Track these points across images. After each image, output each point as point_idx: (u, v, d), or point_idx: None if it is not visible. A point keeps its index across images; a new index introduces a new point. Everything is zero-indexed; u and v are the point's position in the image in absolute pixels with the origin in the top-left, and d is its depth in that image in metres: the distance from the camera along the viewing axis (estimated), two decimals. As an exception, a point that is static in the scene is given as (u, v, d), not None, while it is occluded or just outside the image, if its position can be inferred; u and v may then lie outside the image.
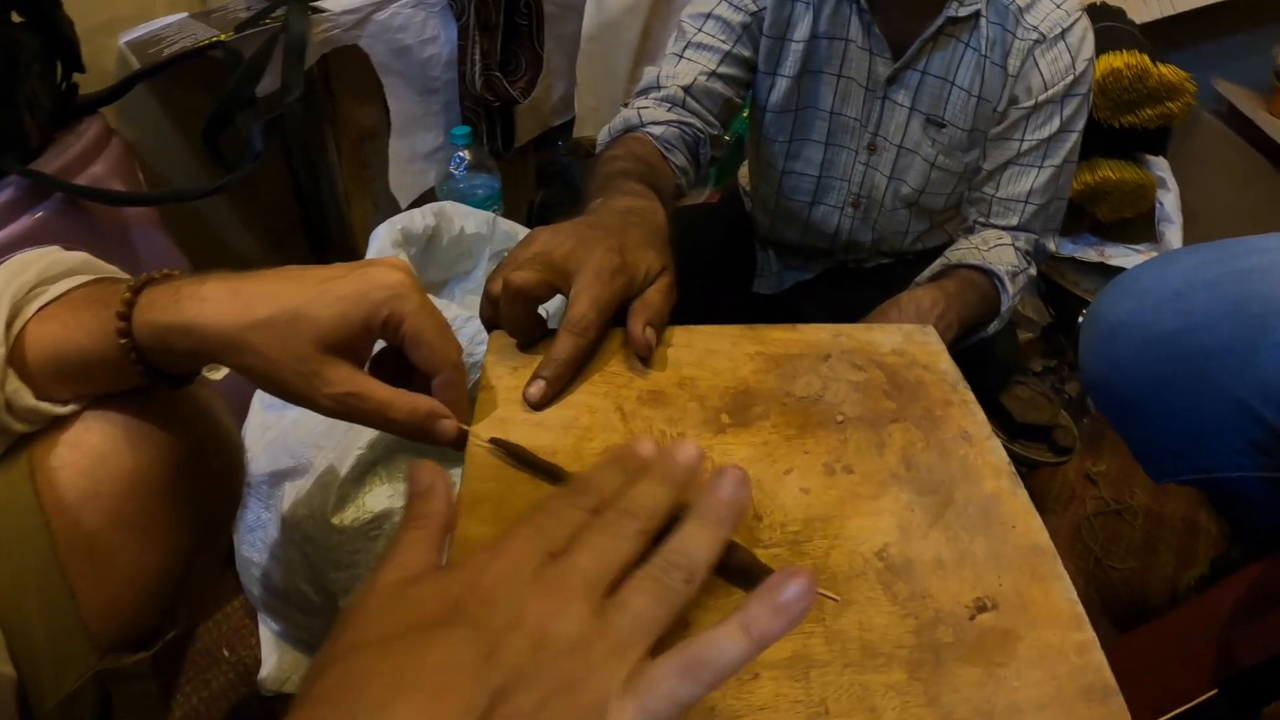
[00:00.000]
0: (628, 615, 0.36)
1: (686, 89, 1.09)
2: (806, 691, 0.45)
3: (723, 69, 1.12)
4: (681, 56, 1.12)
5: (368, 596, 0.39)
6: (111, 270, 0.59)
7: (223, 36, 1.30)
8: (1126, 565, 1.55)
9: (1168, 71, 1.70)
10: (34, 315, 0.52)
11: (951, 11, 1.09)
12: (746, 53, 1.14)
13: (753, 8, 1.12)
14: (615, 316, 0.64)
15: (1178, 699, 0.94)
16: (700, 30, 1.12)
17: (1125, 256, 1.86)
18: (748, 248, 1.46)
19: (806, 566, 0.50)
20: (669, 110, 1.07)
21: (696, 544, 0.39)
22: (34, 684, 0.52)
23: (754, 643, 0.35)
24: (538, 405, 0.59)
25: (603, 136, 1.08)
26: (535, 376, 0.59)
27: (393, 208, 1.67)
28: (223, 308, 0.50)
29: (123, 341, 0.51)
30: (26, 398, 0.53)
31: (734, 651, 0.34)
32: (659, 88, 1.10)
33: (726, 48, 1.12)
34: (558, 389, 0.60)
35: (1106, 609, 1.46)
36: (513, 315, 0.62)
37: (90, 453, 0.55)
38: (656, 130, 1.03)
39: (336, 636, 0.37)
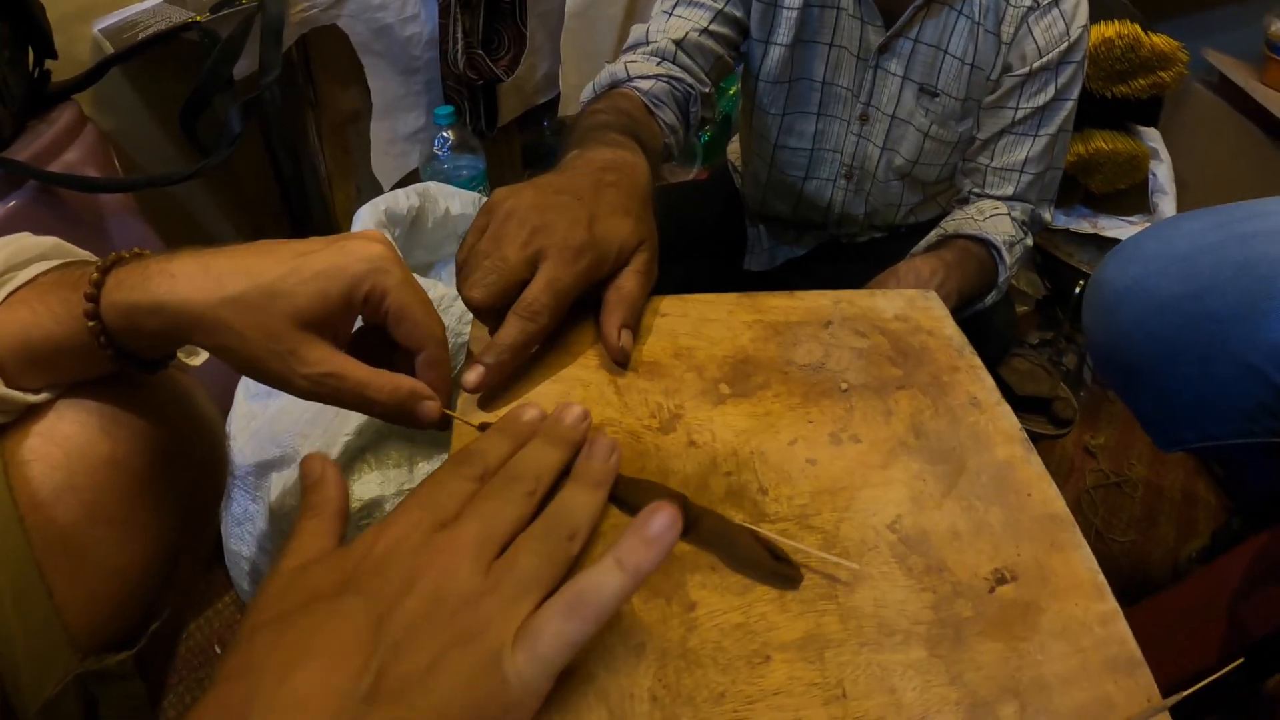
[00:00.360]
0: (515, 573, 0.39)
1: (678, 43, 1.04)
2: (822, 673, 0.42)
3: (714, 27, 1.08)
4: (671, 14, 1.08)
5: (269, 582, 0.41)
6: (83, 254, 0.57)
7: (198, 18, 1.27)
8: (1127, 538, 1.54)
9: (1160, 41, 1.68)
10: (2, 302, 0.50)
11: None
12: (738, 13, 1.11)
13: None
14: (591, 297, 0.60)
15: (1186, 672, 0.93)
16: None
17: (1119, 228, 1.85)
18: (738, 225, 1.44)
19: (771, 526, 0.48)
20: (658, 64, 1.02)
21: (577, 505, 0.43)
22: (14, 688, 0.50)
23: (630, 576, 0.37)
24: (475, 391, 0.54)
25: (586, 94, 1.02)
26: (474, 361, 0.54)
27: (375, 191, 1.64)
28: (193, 284, 0.47)
29: (91, 324, 0.48)
30: None
31: (612, 586, 0.37)
32: (648, 42, 1.06)
33: (719, 6, 1.09)
34: (499, 377, 0.55)
35: (1108, 582, 1.44)
36: (484, 322, 0.58)
37: (64, 444, 0.53)
38: (644, 85, 0.97)
39: (244, 622, 0.39)
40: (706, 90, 1.06)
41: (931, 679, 0.43)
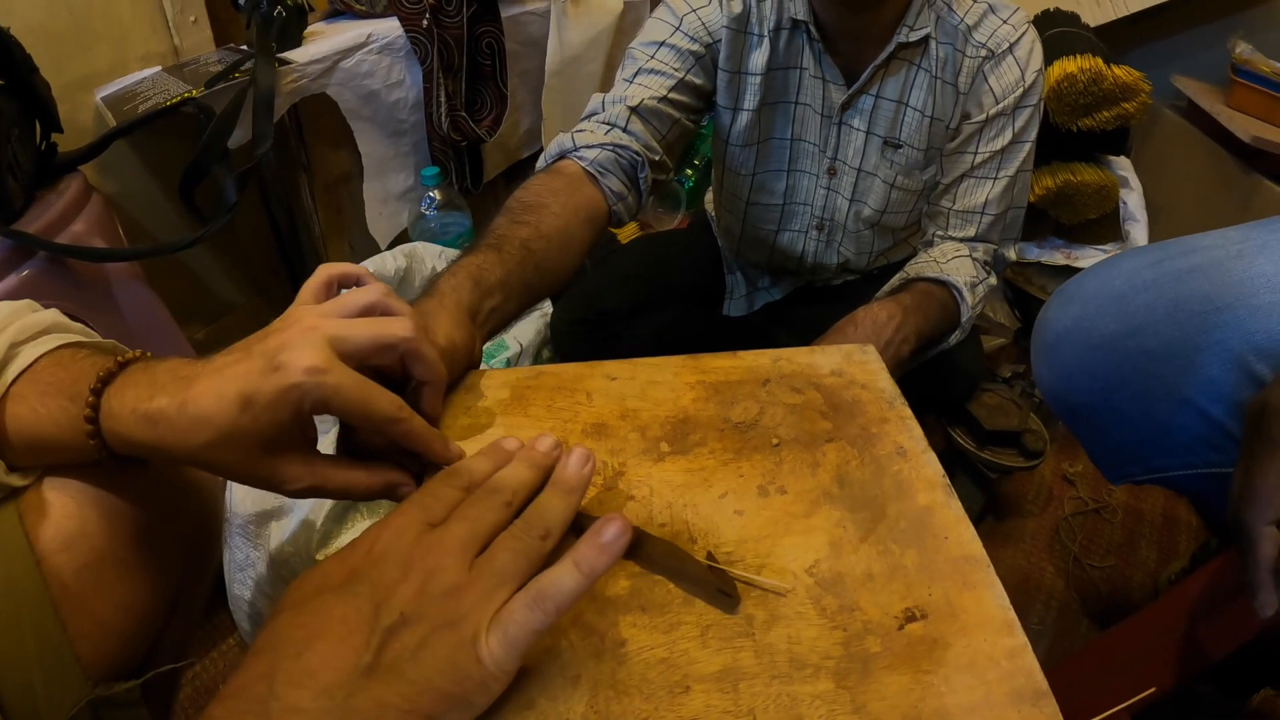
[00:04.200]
0: (494, 567, 0.46)
1: (634, 109, 1.08)
2: (735, 702, 0.47)
3: (674, 95, 1.12)
4: (632, 82, 1.12)
5: (300, 576, 0.47)
6: (76, 329, 0.61)
7: (194, 92, 1.33)
8: (1107, 563, 1.56)
9: (1122, 73, 1.72)
10: (9, 387, 0.54)
11: (902, 37, 1.12)
12: (699, 80, 1.15)
13: (707, 39, 1.14)
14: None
15: (1155, 692, 0.95)
16: (652, 58, 1.13)
17: (1092, 258, 1.87)
18: (717, 272, 1.48)
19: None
20: (606, 133, 1.05)
21: (551, 509, 0.50)
22: (31, 713, 0.55)
23: (584, 576, 0.45)
24: None
25: (541, 161, 1.06)
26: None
27: (369, 248, 1.70)
28: (174, 432, 0.50)
29: (93, 442, 0.53)
30: (1, 474, 0.55)
31: (570, 583, 0.44)
32: (602, 110, 1.09)
33: (679, 75, 1.13)
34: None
35: (1087, 608, 1.47)
36: None
37: (78, 495, 0.58)
38: (589, 155, 1.01)
39: (275, 606, 0.46)
40: (656, 158, 1.09)
41: (836, 708, 0.47)
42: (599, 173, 1.00)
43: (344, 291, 0.61)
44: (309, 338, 0.52)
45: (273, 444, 0.52)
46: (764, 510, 0.58)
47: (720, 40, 1.15)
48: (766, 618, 0.52)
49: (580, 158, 1.01)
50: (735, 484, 0.60)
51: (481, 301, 0.76)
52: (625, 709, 0.47)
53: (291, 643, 0.43)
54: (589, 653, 0.49)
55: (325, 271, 0.62)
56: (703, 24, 1.14)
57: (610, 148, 1.03)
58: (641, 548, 0.54)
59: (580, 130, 1.06)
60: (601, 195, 1.00)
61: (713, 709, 0.47)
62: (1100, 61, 1.72)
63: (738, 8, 1.14)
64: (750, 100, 1.19)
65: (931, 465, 0.63)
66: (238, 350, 0.53)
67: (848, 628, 0.51)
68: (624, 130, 1.07)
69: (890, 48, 1.12)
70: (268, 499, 1.12)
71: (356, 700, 0.41)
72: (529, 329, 1.36)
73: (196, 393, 0.50)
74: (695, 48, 1.14)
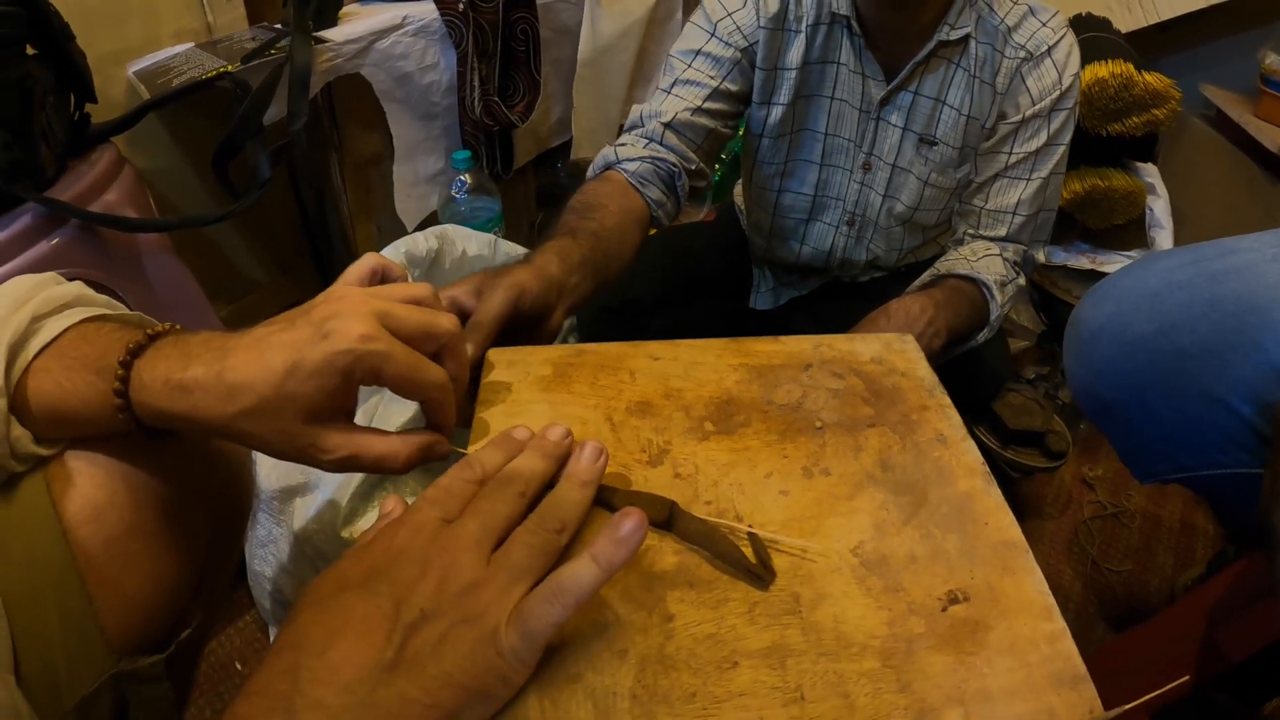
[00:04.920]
0: (511, 563, 0.46)
1: (667, 124, 1.12)
2: (783, 679, 0.47)
3: (709, 104, 1.15)
4: (669, 93, 1.15)
5: (321, 573, 0.48)
6: (100, 300, 0.60)
7: (230, 67, 1.33)
8: (1124, 568, 1.56)
9: (1152, 79, 1.72)
10: (32, 359, 0.54)
11: (943, 35, 1.12)
12: (735, 87, 1.17)
13: (743, 43, 1.15)
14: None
15: (1169, 695, 0.95)
16: (690, 66, 1.15)
17: (1117, 263, 1.87)
18: (744, 265, 1.49)
19: (751, 533, 0.54)
20: (645, 147, 1.11)
21: (566, 503, 0.50)
22: (53, 685, 0.55)
23: (602, 569, 0.45)
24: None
25: (590, 172, 1.13)
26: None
27: (396, 231, 1.71)
28: (209, 399, 0.50)
29: (122, 416, 0.53)
30: (28, 444, 0.55)
31: (588, 577, 0.45)
32: (641, 124, 1.14)
33: (715, 84, 1.15)
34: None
35: (1104, 612, 1.47)
36: None
37: (105, 466, 0.58)
38: (631, 167, 1.08)
39: (296, 603, 0.46)
40: (692, 167, 1.15)
41: (882, 686, 0.47)
42: (640, 183, 1.07)
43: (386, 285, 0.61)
44: (358, 309, 0.52)
45: (316, 412, 0.52)
46: (808, 491, 0.59)
47: (757, 41, 1.15)
48: (813, 596, 0.52)
49: (624, 169, 1.08)
50: (780, 464, 0.60)
51: (567, 277, 0.84)
52: (673, 683, 0.47)
53: (314, 640, 0.43)
54: (636, 627, 0.49)
55: (372, 259, 0.62)
56: (737, 27, 1.15)
57: (650, 160, 1.10)
58: (676, 523, 0.55)
59: (622, 144, 1.12)
60: (645, 203, 1.07)
61: (761, 684, 0.47)
62: (1131, 67, 1.72)
63: (774, 6, 1.14)
64: (785, 94, 1.19)
65: (971, 453, 0.63)
66: (279, 321, 0.53)
67: (892, 608, 0.52)
68: (660, 144, 1.13)
69: (931, 45, 1.13)
70: (294, 475, 1.12)
71: (379, 695, 0.41)
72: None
73: (236, 361, 0.50)
74: (731, 53, 1.16)
